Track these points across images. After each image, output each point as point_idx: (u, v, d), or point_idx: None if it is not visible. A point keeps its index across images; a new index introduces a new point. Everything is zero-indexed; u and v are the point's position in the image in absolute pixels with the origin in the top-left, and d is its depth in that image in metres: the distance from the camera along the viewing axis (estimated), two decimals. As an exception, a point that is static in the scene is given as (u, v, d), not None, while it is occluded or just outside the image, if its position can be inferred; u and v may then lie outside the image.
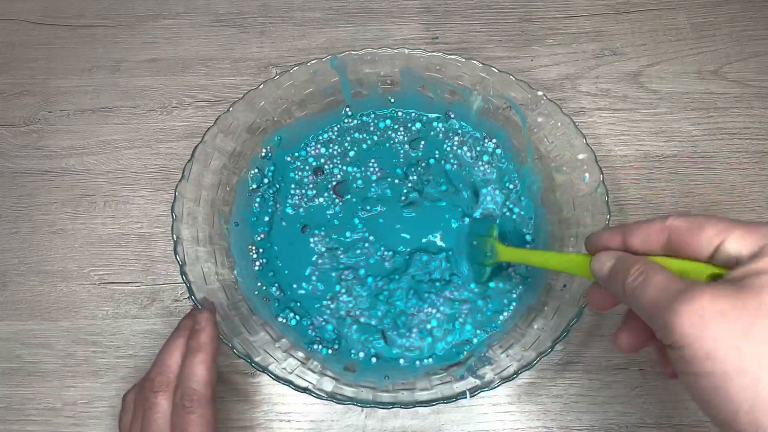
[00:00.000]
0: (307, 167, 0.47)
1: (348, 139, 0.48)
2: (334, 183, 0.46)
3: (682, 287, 0.23)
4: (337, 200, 0.45)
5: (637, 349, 0.28)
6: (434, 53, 0.44)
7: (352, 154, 0.47)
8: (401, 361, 0.41)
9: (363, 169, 0.47)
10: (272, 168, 0.46)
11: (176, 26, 0.56)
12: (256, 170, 0.45)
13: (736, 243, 0.24)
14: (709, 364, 0.21)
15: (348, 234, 0.44)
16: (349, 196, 0.46)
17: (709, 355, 0.21)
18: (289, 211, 0.45)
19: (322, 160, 0.47)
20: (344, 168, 0.47)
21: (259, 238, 0.44)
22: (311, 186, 0.46)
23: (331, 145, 0.47)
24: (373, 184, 0.46)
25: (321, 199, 0.46)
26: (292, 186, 0.46)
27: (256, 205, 0.45)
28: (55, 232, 0.47)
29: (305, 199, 0.46)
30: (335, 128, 0.48)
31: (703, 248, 0.25)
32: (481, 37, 0.55)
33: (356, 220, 0.45)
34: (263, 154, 0.46)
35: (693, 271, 0.26)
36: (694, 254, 0.25)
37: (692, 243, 0.25)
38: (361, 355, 0.41)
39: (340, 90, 0.46)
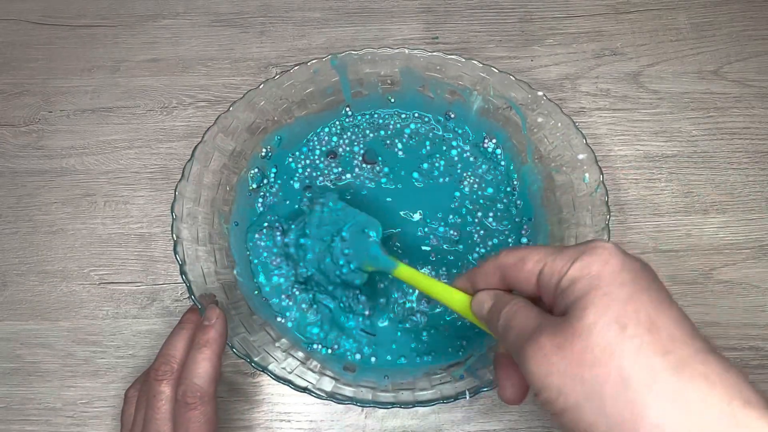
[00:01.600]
0: (317, 153, 0.47)
1: (350, 133, 0.48)
2: (363, 152, 0.47)
3: (532, 328, 0.24)
4: (367, 167, 0.46)
5: (524, 398, 0.28)
6: (434, 53, 0.44)
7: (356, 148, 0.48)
8: (401, 360, 0.41)
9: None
10: (274, 170, 0.46)
11: (176, 26, 0.56)
12: (256, 170, 0.45)
13: (549, 270, 0.25)
14: (563, 399, 0.22)
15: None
16: (380, 162, 0.46)
17: (561, 391, 0.22)
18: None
19: (333, 145, 0.47)
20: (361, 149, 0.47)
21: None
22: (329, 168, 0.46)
23: (339, 136, 0.48)
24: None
25: (348, 175, 0.46)
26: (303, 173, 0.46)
27: (259, 205, 0.45)
28: (55, 232, 0.47)
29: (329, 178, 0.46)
30: (336, 124, 0.48)
31: (529, 280, 0.26)
32: (481, 37, 0.55)
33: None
34: (263, 153, 0.46)
35: None
36: (523, 286, 0.27)
37: (519, 277, 0.27)
38: (358, 356, 0.41)
39: (340, 90, 0.46)
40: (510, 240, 0.44)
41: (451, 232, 0.44)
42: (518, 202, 0.45)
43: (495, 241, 0.44)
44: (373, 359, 0.41)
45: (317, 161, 0.47)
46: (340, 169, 0.47)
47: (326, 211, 0.40)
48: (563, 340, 0.22)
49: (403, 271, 0.36)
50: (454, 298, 0.32)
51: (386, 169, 0.46)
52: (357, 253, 0.38)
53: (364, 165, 0.46)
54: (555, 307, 0.25)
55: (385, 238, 0.43)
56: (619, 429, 0.20)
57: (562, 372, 0.22)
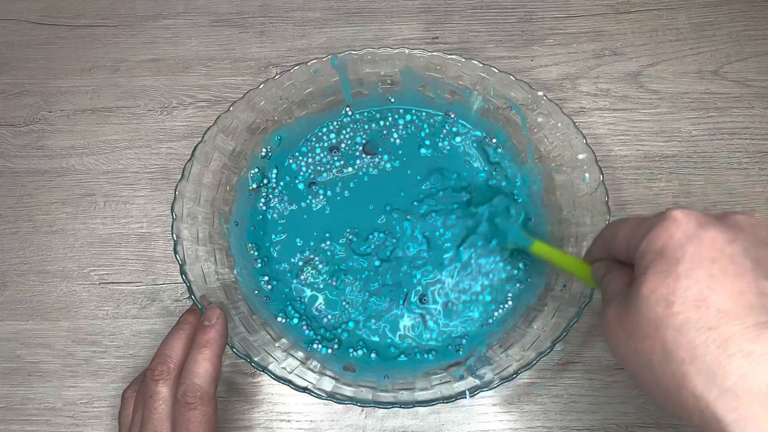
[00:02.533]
0: (318, 149, 0.47)
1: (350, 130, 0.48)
2: (364, 143, 0.47)
3: (612, 295, 0.26)
4: (367, 158, 0.47)
5: None
6: (434, 53, 0.44)
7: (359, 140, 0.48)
8: (401, 357, 0.41)
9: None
10: (275, 171, 0.46)
11: (176, 26, 0.56)
12: (256, 170, 0.45)
13: (633, 243, 0.26)
14: (627, 366, 0.25)
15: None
16: (380, 154, 0.47)
17: (624, 360, 0.25)
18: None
19: (334, 142, 0.48)
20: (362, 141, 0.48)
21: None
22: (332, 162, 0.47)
23: (340, 133, 0.48)
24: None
25: (350, 169, 0.46)
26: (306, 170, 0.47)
27: (261, 205, 0.45)
28: (55, 232, 0.47)
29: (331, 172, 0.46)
30: (335, 123, 0.48)
31: (623, 252, 0.28)
32: (481, 37, 0.55)
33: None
34: (263, 153, 0.46)
35: None
36: (623, 257, 0.28)
37: (616, 249, 0.28)
38: (360, 353, 0.41)
39: (340, 90, 0.46)
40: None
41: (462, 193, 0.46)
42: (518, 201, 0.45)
43: (495, 241, 0.44)
44: (373, 356, 0.41)
45: (319, 157, 0.47)
46: (342, 162, 0.47)
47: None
48: (623, 313, 0.24)
49: (538, 247, 0.40)
50: (580, 269, 0.34)
51: (386, 156, 0.47)
52: (499, 233, 0.43)
53: (364, 156, 0.47)
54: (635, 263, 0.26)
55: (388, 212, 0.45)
56: (669, 397, 0.22)
57: (623, 343, 0.24)
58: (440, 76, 0.45)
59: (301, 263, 0.44)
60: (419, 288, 0.43)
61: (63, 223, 0.48)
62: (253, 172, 0.45)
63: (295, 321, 0.42)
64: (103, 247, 0.47)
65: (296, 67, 0.44)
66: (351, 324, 0.42)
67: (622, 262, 0.29)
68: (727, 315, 0.21)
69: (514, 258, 0.43)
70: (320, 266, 0.43)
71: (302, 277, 0.43)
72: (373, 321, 0.42)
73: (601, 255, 0.31)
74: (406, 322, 0.42)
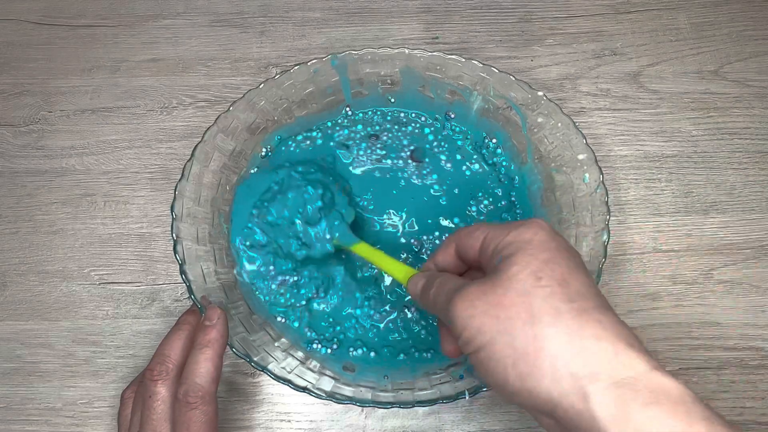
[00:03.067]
0: (356, 136, 0.47)
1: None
2: (412, 149, 0.47)
3: (460, 284, 0.28)
4: (413, 164, 0.46)
5: (460, 354, 0.31)
6: (434, 53, 0.44)
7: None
8: (401, 356, 0.41)
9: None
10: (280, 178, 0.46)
11: (176, 26, 0.56)
12: (256, 170, 0.45)
13: (490, 237, 0.29)
14: (480, 337, 0.26)
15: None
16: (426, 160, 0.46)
17: (480, 329, 0.26)
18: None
19: (370, 130, 0.47)
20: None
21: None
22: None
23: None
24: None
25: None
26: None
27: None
28: (55, 232, 0.47)
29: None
30: (338, 121, 0.48)
31: (474, 246, 0.31)
32: (481, 37, 0.55)
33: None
34: (263, 153, 0.46)
35: None
36: (468, 253, 0.31)
37: (467, 244, 0.31)
38: (359, 352, 0.41)
39: (340, 90, 0.46)
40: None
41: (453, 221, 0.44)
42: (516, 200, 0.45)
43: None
44: (372, 354, 0.41)
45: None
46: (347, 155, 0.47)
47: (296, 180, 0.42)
48: (488, 287, 0.26)
49: (361, 248, 0.39)
50: (401, 273, 0.35)
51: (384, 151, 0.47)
52: (327, 227, 0.41)
53: (411, 162, 0.46)
54: (488, 267, 0.29)
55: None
56: (524, 360, 0.24)
57: (482, 312, 0.26)
58: (440, 76, 0.45)
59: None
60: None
61: (63, 223, 0.48)
62: (253, 171, 0.45)
63: (296, 324, 0.42)
64: (103, 247, 0.47)
65: (296, 67, 0.44)
66: (350, 324, 0.42)
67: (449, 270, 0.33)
68: (583, 296, 0.25)
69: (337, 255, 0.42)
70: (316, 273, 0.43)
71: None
72: (372, 321, 0.42)
73: (445, 256, 0.33)
74: (404, 321, 0.42)
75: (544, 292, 0.25)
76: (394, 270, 0.36)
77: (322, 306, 0.42)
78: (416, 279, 0.33)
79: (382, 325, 0.42)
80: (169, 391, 0.32)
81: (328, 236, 0.41)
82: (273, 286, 0.42)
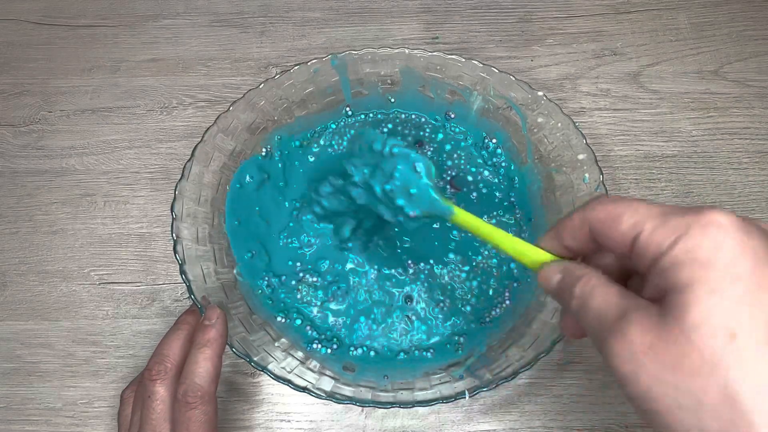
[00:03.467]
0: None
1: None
2: (450, 177, 0.46)
3: (615, 315, 0.21)
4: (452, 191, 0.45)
5: (583, 335, 0.26)
6: (434, 53, 0.44)
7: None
8: (401, 355, 0.41)
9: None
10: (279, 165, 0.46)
11: (176, 26, 0.56)
12: (256, 168, 0.45)
13: (648, 240, 0.21)
14: (650, 403, 0.20)
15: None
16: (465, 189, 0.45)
17: (648, 394, 0.20)
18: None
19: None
20: None
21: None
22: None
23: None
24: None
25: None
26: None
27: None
28: (55, 232, 0.47)
29: None
30: (341, 123, 0.48)
31: (621, 243, 0.23)
32: (481, 37, 0.55)
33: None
34: (263, 153, 0.46)
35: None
36: (612, 246, 0.23)
37: (609, 236, 0.23)
38: (359, 352, 0.41)
39: (340, 90, 0.46)
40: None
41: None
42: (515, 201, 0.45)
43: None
44: (372, 354, 0.41)
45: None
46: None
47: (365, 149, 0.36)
48: (657, 339, 0.19)
49: (462, 216, 0.32)
50: (525, 253, 0.28)
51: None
52: (410, 196, 0.34)
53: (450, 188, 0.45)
54: (647, 283, 0.21)
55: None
56: None
57: (652, 375, 0.19)
58: (440, 76, 0.45)
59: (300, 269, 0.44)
60: (412, 286, 0.43)
61: (63, 223, 0.48)
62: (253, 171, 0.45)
63: (299, 322, 0.42)
64: (103, 247, 0.47)
65: (296, 67, 0.44)
66: (350, 324, 0.42)
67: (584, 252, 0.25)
68: None
69: (433, 225, 0.39)
70: (316, 276, 0.43)
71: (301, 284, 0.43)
72: (372, 321, 0.42)
73: (575, 239, 0.25)
74: (404, 320, 0.42)
75: (742, 357, 0.18)
76: (516, 249, 0.29)
77: (332, 305, 0.42)
78: (550, 272, 0.26)
79: (383, 325, 0.42)
80: (168, 391, 0.32)
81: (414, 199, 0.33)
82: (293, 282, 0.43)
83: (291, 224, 0.44)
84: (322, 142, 0.47)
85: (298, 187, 0.46)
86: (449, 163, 0.47)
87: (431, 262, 0.43)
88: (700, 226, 0.20)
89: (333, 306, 0.42)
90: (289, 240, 0.44)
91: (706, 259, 0.19)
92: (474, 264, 0.43)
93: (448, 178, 0.46)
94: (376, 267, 0.43)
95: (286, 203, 0.45)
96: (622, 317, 0.21)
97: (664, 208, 0.22)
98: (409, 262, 0.43)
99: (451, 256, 0.43)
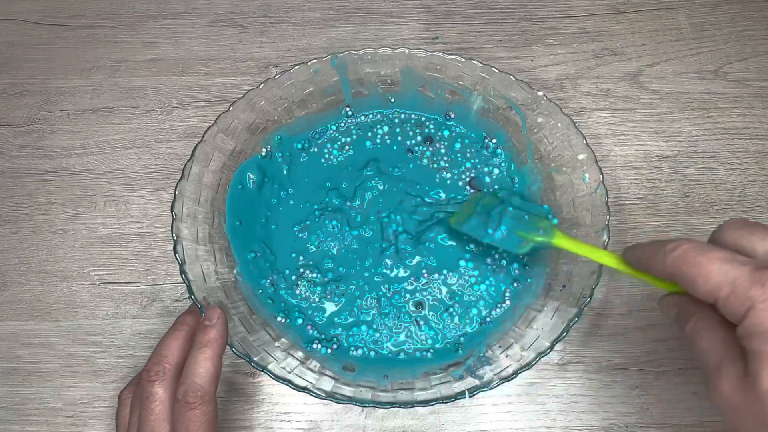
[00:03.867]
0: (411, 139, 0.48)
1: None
2: (472, 176, 0.46)
3: (715, 362, 0.24)
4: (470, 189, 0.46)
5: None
6: (434, 53, 0.44)
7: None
8: (401, 355, 0.41)
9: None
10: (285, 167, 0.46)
11: (176, 26, 0.56)
12: (256, 168, 0.45)
13: (725, 308, 0.24)
14: None
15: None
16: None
17: (736, 429, 0.23)
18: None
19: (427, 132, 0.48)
20: None
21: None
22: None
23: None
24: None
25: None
26: None
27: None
28: (55, 232, 0.47)
29: None
30: (341, 123, 0.48)
31: (707, 296, 0.24)
32: (481, 37, 0.55)
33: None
34: (263, 153, 0.46)
35: None
36: (702, 296, 0.25)
37: (693, 291, 0.25)
38: (360, 352, 0.41)
39: (340, 90, 0.46)
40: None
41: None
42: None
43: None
44: (372, 354, 0.41)
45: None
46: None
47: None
48: (741, 397, 0.22)
49: (562, 240, 0.37)
50: (630, 271, 0.31)
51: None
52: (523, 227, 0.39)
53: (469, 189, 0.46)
54: (738, 338, 0.24)
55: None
56: None
57: (738, 422, 0.23)
58: (440, 76, 0.45)
59: (300, 267, 0.44)
60: (417, 288, 0.43)
61: (63, 223, 0.48)
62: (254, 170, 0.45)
63: (300, 321, 0.42)
64: (103, 247, 0.47)
65: (296, 67, 0.44)
66: (350, 323, 0.42)
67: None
68: None
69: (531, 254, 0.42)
70: (317, 274, 0.43)
71: (300, 284, 0.43)
72: (372, 321, 0.42)
73: (658, 274, 0.26)
74: (404, 320, 0.42)
75: None
76: (612, 262, 0.31)
77: (333, 304, 0.42)
78: (668, 304, 0.28)
79: (384, 325, 0.42)
80: (167, 392, 0.32)
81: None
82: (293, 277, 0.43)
83: (308, 222, 0.45)
84: (329, 146, 0.48)
85: (308, 188, 0.46)
86: (467, 164, 0.47)
87: (444, 271, 0.43)
88: (764, 301, 0.22)
89: (334, 307, 0.42)
90: (301, 235, 0.44)
91: None
92: (484, 267, 0.43)
93: (468, 179, 0.46)
94: (384, 270, 0.43)
95: (301, 204, 0.46)
96: (718, 367, 0.24)
97: (735, 272, 0.23)
98: (424, 272, 0.43)
99: (462, 264, 0.43)
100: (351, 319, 0.42)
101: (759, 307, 0.22)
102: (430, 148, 0.47)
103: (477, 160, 0.47)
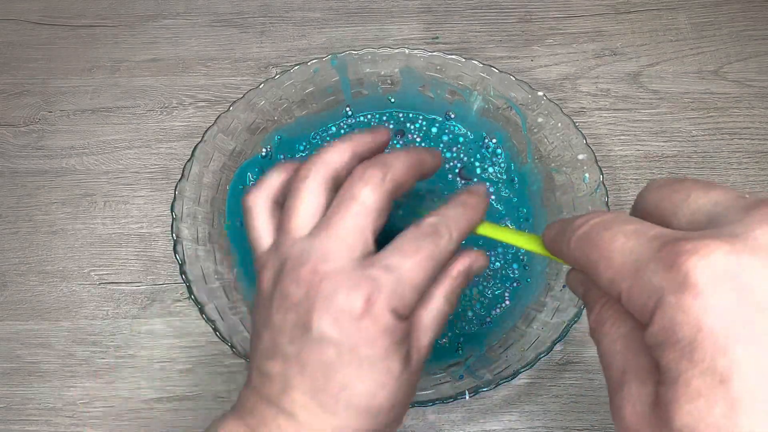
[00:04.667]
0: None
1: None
2: (459, 167, 0.46)
3: (618, 372, 0.18)
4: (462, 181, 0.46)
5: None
6: (434, 53, 0.44)
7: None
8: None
9: None
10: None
11: (176, 26, 0.56)
12: (257, 169, 0.45)
13: (628, 304, 0.17)
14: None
15: None
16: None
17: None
18: None
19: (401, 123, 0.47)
20: None
21: None
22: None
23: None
24: None
25: None
26: None
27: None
28: (55, 232, 0.47)
29: None
30: (341, 124, 0.48)
31: (611, 295, 0.18)
32: (481, 37, 0.55)
33: None
34: (263, 153, 0.46)
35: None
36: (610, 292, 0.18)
37: (599, 287, 0.19)
38: None
39: (340, 90, 0.46)
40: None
41: None
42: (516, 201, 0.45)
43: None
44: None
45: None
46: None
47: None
48: (647, 428, 0.16)
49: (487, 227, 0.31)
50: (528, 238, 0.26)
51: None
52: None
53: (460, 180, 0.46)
54: (647, 346, 0.17)
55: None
56: None
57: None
58: (440, 76, 0.45)
59: None
60: None
61: (63, 223, 0.48)
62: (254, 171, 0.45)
63: None
64: (103, 247, 0.47)
65: (296, 67, 0.44)
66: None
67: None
68: None
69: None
70: None
71: None
72: None
73: (567, 260, 0.21)
74: None
75: None
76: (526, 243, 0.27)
77: None
78: (575, 280, 0.23)
79: None
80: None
81: None
82: None
83: None
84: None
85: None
86: (450, 155, 0.47)
87: None
88: (674, 292, 0.15)
89: None
90: None
91: (687, 342, 0.14)
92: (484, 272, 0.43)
93: (456, 170, 0.46)
94: None
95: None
96: (620, 384, 0.18)
97: (639, 251, 0.16)
98: None
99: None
100: None
101: (668, 302, 0.15)
102: (401, 141, 0.47)
103: (464, 155, 0.47)
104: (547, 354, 0.36)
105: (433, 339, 0.26)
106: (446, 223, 0.24)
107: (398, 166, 0.25)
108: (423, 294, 0.24)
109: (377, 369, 0.23)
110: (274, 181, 0.27)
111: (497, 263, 0.43)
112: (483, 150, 0.47)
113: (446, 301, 0.25)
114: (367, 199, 0.24)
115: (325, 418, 0.22)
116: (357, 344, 0.22)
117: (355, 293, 0.22)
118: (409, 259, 0.23)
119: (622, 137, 0.50)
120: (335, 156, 0.26)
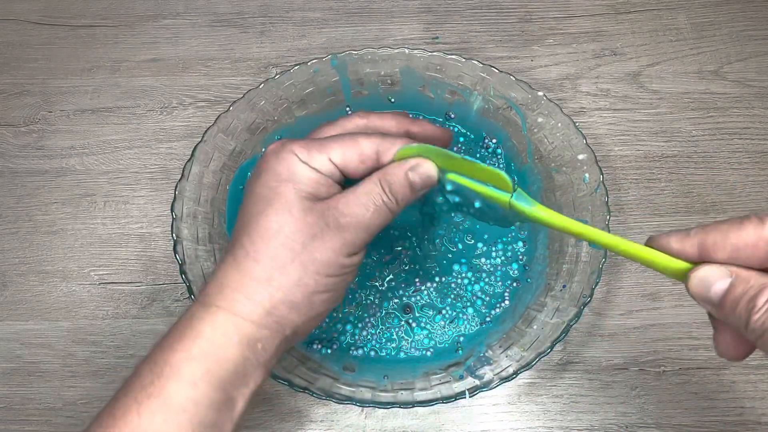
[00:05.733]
0: None
1: None
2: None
3: None
4: None
5: (747, 355, 0.22)
6: (434, 53, 0.44)
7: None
8: (401, 355, 0.41)
9: None
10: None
11: (176, 26, 0.56)
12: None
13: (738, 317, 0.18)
14: None
15: None
16: None
17: None
18: None
19: None
20: None
21: None
22: None
23: None
24: None
25: None
26: None
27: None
28: (55, 232, 0.47)
29: None
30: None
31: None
32: (481, 37, 0.55)
33: None
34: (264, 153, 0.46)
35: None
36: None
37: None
38: (360, 352, 0.41)
39: (340, 90, 0.46)
40: (507, 238, 0.44)
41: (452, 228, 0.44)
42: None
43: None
44: (372, 354, 0.41)
45: None
46: None
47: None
48: None
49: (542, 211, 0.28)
50: (644, 253, 0.23)
51: None
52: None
53: None
54: None
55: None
56: None
57: None
58: (440, 76, 0.45)
59: None
60: (417, 288, 0.43)
61: (63, 223, 0.48)
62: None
63: None
64: (103, 247, 0.47)
65: (296, 67, 0.44)
66: (351, 326, 0.42)
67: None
68: None
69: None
70: None
71: None
72: (372, 321, 0.42)
73: (741, 258, 0.20)
74: (404, 320, 0.42)
75: None
76: (648, 256, 0.23)
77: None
78: (712, 276, 0.21)
79: (384, 325, 0.42)
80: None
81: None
82: None
83: None
84: None
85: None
86: None
87: (437, 277, 0.43)
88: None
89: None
90: None
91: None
92: (477, 269, 0.43)
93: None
94: (385, 271, 0.43)
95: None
96: None
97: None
98: (416, 279, 0.43)
99: (456, 267, 0.43)
100: (351, 320, 0.42)
101: (761, 298, 0.18)
102: None
103: (464, 155, 0.46)
104: (546, 354, 0.36)
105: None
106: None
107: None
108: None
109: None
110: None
111: (497, 260, 0.43)
112: (483, 150, 0.47)
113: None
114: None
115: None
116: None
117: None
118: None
119: (622, 137, 0.50)
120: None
